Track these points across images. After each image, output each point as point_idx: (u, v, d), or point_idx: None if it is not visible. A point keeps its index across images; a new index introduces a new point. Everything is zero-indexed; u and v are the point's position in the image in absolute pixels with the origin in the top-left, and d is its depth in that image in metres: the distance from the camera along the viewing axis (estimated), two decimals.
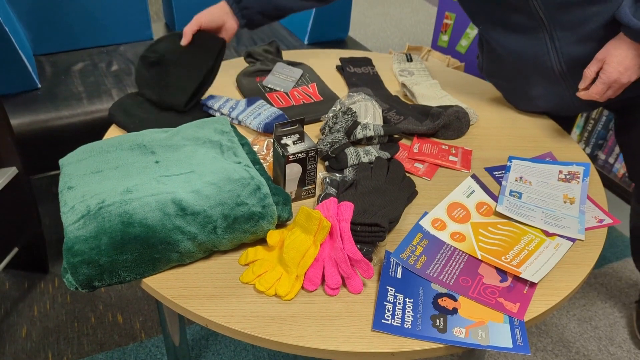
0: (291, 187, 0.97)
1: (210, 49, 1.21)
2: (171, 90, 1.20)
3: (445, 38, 2.62)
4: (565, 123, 1.32)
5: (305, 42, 2.24)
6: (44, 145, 1.69)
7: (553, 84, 1.15)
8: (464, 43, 2.57)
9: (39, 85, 1.83)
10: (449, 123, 1.17)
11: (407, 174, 1.06)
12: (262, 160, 1.07)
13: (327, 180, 1.01)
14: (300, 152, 0.93)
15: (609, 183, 2.14)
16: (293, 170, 0.95)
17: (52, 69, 1.95)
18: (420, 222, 0.94)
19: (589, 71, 1.05)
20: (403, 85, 1.33)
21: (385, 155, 1.08)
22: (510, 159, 1.11)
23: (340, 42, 2.28)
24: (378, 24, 3.72)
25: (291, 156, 0.93)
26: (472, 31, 2.52)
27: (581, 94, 1.07)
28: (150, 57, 1.23)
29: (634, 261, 1.56)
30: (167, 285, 0.81)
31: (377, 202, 0.93)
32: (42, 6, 1.96)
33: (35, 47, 2.03)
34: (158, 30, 2.30)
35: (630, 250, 1.58)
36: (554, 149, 1.14)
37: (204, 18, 1.20)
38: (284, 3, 1.23)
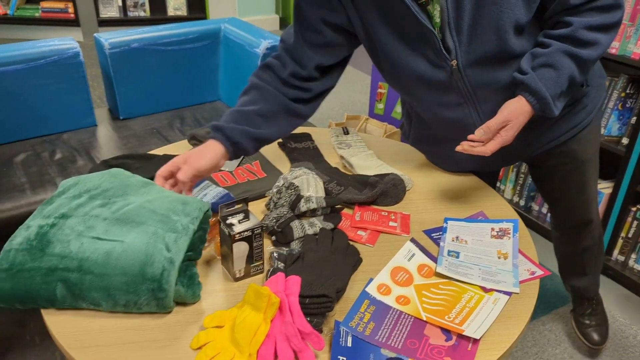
0: (239, 265, 0.99)
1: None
2: None
3: (380, 106, 2.77)
4: (489, 179, 1.42)
5: None
6: None
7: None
8: (399, 110, 2.72)
9: None
10: (386, 190, 1.23)
11: (351, 242, 1.10)
12: (207, 239, 1.09)
13: (275, 254, 1.04)
14: (246, 231, 0.97)
15: (543, 231, 2.26)
16: (240, 249, 0.97)
17: None
18: (367, 289, 0.98)
19: (494, 126, 1.07)
20: (341, 157, 1.41)
21: (329, 225, 1.12)
22: (446, 220, 1.17)
23: None
24: None
25: (237, 235, 0.96)
26: None
27: (474, 150, 1.07)
28: (111, 162, 1.32)
29: (562, 279, 1.78)
30: None
31: (324, 273, 0.97)
32: None
33: None
34: (101, 116, 2.33)
35: (558, 270, 1.77)
36: (484, 207, 1.22)
37: (201, 165, 1.10)
38: (261, 133, 1.18)
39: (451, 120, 1.21)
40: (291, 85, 1.21)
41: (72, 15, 4.61)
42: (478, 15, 1.05)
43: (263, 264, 1.02)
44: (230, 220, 0.99)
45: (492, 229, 1.13)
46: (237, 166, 1.37)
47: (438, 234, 1.14)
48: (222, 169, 1.35)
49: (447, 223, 1.16)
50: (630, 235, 1.96)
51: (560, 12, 1.09)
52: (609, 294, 2.05)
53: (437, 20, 1.07)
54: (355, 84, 4.08)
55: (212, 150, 1.13)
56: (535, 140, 1.28)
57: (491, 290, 0.98)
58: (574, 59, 1.07)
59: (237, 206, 1.00)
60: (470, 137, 1.09)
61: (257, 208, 1.22)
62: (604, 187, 2.02)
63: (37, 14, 4.60)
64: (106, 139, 2.13)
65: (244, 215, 1.00)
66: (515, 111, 1.08)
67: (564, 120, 1.26)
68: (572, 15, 1.07)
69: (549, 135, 1.28)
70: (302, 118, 1.26)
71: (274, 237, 1.11)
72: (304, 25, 1.18)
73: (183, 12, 4.90)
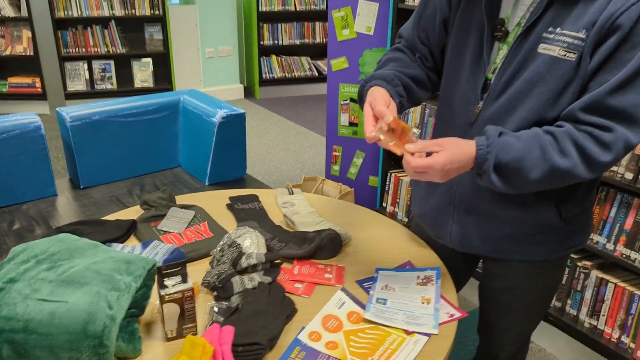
0: (171, 326, 1.05)
1: (122, 226, 1.43)
2: None
3: (336, 168, 2.91)
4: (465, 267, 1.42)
5: (206, 183, 2.42)
6: None
7: None
8: (352, 170, 2.86)
9: None
10: (323, 245, 1.33)
11: (288, 294, 1.18)
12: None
13: (215, 309, 1.11)
14: (176, 293, 1.03)
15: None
16: (171, 310, 1.03)
17: None
18: (299, 336, 1.06)
19: (428, 144, 1.05)
20: (285, 215, 1.50)
21: (267, 279, 1.20)
22: (377, 270, 1.27)
23: (239, 180, 2.48)
24: (280, 158, 4.02)
25: (167, 296, 1.03)
26: (359, 160, 2.82)
27: (405, 155, 1.05)
28: (64, 229, 1.38)
29: None
30: None
31: (258, 323, 1.04)
32: None
33: None
34: (62, 185, 2.40)
35: None
36: (412, 257, 1.32)
37: (384, 99, 1.15)
38: (410, 73, 1.27)
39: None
40: (420, 66, 1.32)
41: (40, 90, 4.74)
42: (519, 83, 1.09)
43: (196, 326, 1.07)
44: (166, 281, 1.05)
45: (418, 277, 1.23)
46: (186, 227, 1.45)
47: (369, 283, 1.23)
48: (170, 230, 1.43)
49: (378, 273, 1.26)
50: (564, 282, 2.07)
51: (566, 118, 1.07)
52: (550, 339, 2.13)
53: (497, 61, 1.13)
54: (316, 147, 4.25)
55: (381, 92, 1.17)
56: (488, 239, 1.24)
57: (413, 332, 1.07)
58: (541, 149, 1.03)
59: (175, 268, 1.07)
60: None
61: (201, 267, 1.29)
62: None
63: (4, 89, 4.72)
64: (65, 208, 2.19)
65: (181, 277, 1.07)
66: (455, 143, 1.06)
67: (523, 241, 1.21)
68: (571, 123, 1.05)
69: (501, 244, 1.23)
70: (428, 92, 1.34)
71: (215, 293, 1.19)
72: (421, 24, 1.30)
73: (150, 84, 5.07)
